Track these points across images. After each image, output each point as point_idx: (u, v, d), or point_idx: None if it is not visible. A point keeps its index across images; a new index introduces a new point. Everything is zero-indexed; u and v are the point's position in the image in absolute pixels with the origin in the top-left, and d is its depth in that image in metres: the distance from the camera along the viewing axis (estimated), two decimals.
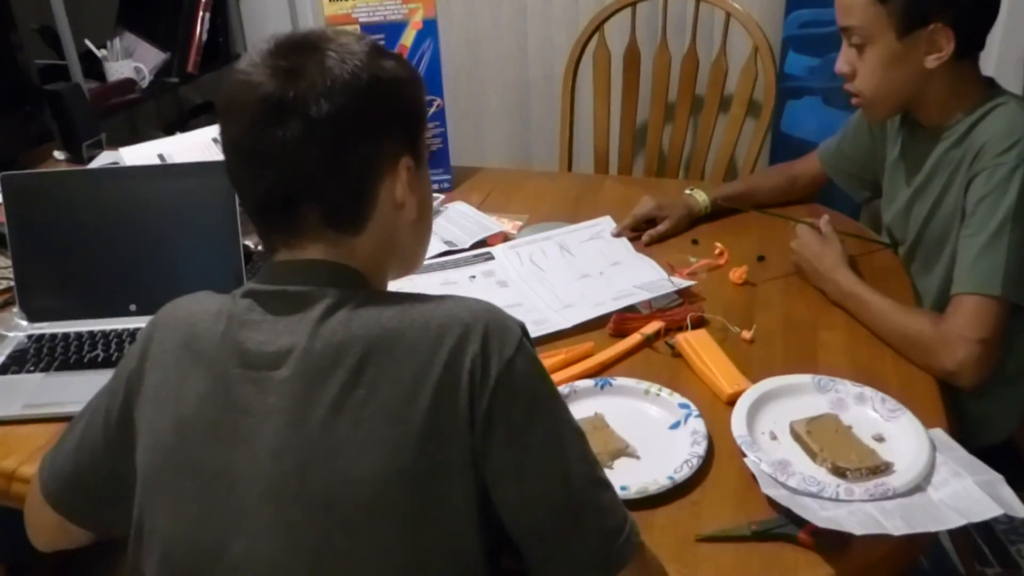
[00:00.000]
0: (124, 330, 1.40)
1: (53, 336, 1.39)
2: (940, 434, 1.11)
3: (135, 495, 0.88)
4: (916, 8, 1.27)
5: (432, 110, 1.87)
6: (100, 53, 2.37)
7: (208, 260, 1.44)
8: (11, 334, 1.40)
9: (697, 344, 1.30)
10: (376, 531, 0.79)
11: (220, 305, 0.88)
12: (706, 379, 1.25)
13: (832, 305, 1.42)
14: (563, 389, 1.20)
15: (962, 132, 1.35)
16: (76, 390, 1.20)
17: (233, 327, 0.85)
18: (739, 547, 0.99)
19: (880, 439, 1.11)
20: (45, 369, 1.32)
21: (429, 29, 1.82)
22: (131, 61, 2.40)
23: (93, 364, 1.33)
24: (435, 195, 1.76)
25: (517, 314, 0.87)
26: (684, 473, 1.06)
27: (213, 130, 1.79)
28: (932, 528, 0.97)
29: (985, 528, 2.01)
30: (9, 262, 1.43)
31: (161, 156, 1.74)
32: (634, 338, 1.34)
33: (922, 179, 1.43)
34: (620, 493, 0.89)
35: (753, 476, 1.05)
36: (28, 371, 1.32)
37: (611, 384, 1.23)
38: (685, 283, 1.47)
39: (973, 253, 1.28)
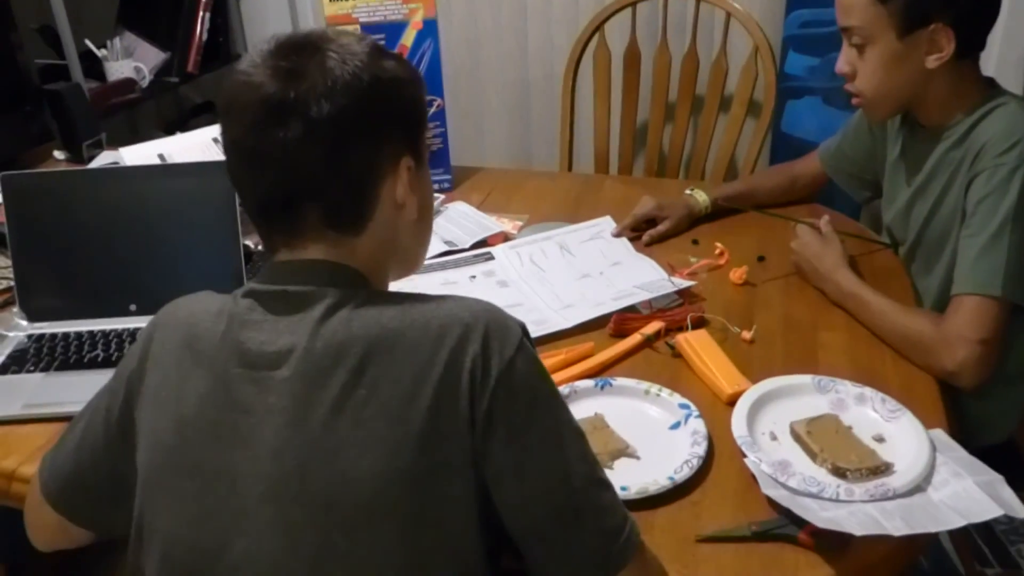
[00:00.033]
0: (124, 330, 1.40)
1: (53, 336, 1.39)
2: (940, 434, 1.11)
3: (135, 495, 0.88)
4: (916, 8, 1.27)
5: (432, 110, 1.87)
6: (100, 53, 2.37)
7: (208, 260, 1.44)
8: (11, 334, 1.40)
9: (697, 344, 1.30)
10: (376, 531, 0.79)
11: (221, 305, 0.88)
12: (706, 379, 1.25)
13: (832, 305, 1.42)
14: (563, 389, 1.20)
15: (962, 132, 1.35)
16: (76, 390, 1.20)
17: (234, 327, 0.85)
18: (739, 547, 0.99)
19: (880, 439, 1.11)
20: (45, 369, 1.32)
21: (429, 29, 1.82)
22: (131, 61, 2.40)
23: (93, 364, 1.33)
24: (435, 195, 1.76)
25: (517, 314, 0.87)
26: (684, 473, 1.06)
27: (213, 130, 1.79)
28: (932, 529, 0.97)
29: (985, 528, 2.01)
30: (9, 262, 1.43)
31: (161, 156, 1.74)
32: (634, 338, 1.34)
33: (922, 179, 1.43)
34: (620, 493, 0.89)
35: (753, 476, 1.06)
36: (28, 371, 1.32)
37: (611, 384, 1.23)
38: (685, 283, 1.47)
39: (973, 253, 1.28)
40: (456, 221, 1.76)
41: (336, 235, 0.87)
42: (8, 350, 1.36)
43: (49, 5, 2.17)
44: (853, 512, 0.99)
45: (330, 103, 0.82)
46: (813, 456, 1.08)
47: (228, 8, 2.63)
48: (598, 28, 2.20)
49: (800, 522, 0.98)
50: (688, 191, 1.72)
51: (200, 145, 1.77)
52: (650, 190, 1.77)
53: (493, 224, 1.73)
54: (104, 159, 1.93)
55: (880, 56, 1.32)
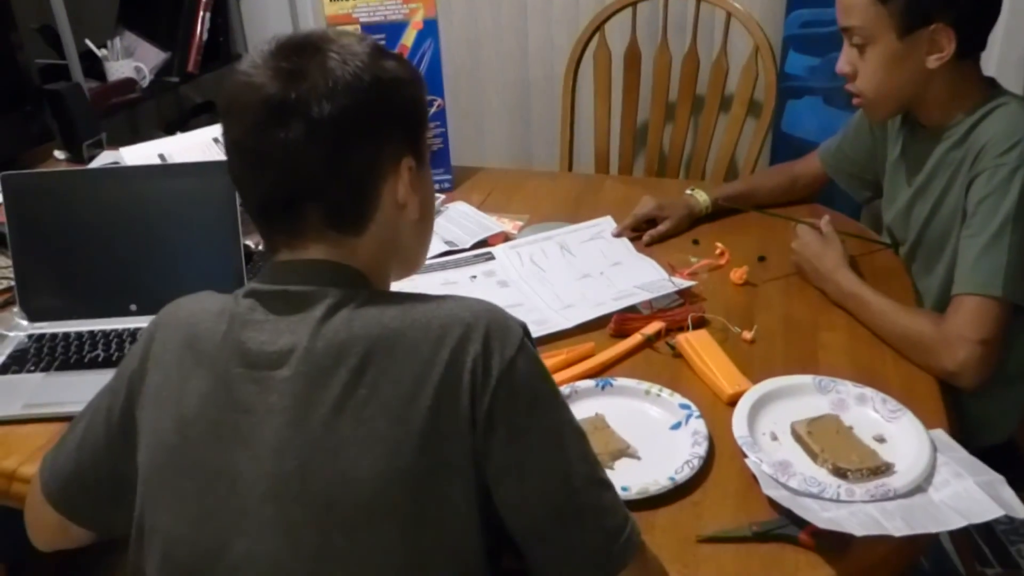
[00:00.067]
0: (125, 330, 1.40)
1: (53, 336, 1.39)
2: (941, 435, 1.11)
3: (136, 495, 0.88)
4: (917, 8, 1.27)
5: (433, 110, 1.87)
6: (100, 53, 2.37)
7: (209, 260, 1.44)
8: (11, 334, 1.40)
9: (698, 344, 1.30)
10: (377, 531, 0.79)
11: (222, 305, 0.88)
12: (707, 379, 1.25)
13: (833, 305, 1.42)
14: (564, 389, 1.20)
15: (963, 132, 1.35)
16: (76, 390, 1.20)
17: (235, 327, 0.85)
18: (740, 548, 0.98)
19: (881, 440, 1.11)
20: (45, 369, 1.32)
21: (430, 29, 1.82)
22: (131, 61, 2.40)
23: (93, 364, 1.33)
24: (436, 195, 1.76)
25: (518, 314, 0.87)
26: (685, 474, 1.06)
27: (213, 130, 1.79)
28: (933, 529, 0.97)
29: (985, 528, 2.01)
30: (9, 262, 1.43)
31: (161, 156, 1.74)
32: (635, 338, 1.34)
33: (923, 179, 1.43)
34: (621, 494, 0.89)
35: (754, 477, 1.05)
36: (28, 371, 1.32)
37: (612, 384, 1.23)
38: (686, 283, 1.47)
39: (974, 254, 1.28)
40: (456, 221, 1.76)
41: (337, 235, 0.87)
42: (8, 350, 1.36)
43: (49, 5, 2.17)
44: (854, 512, 0.99)
45: (331, 103, 0.82)
46: (814, 456, 1.08)
47: (228, 8, 2.63)
48: (598, 28, 2.20)
49: (801, 522, 0.98)
50: (688, 191, 1.72)
51: (200, 145, 1.77)
52: (650, 190, 1.77)
53: (493, 224, 1.73)
54: (104, 159, 1.93)
55: (881, 56, 1.32)
